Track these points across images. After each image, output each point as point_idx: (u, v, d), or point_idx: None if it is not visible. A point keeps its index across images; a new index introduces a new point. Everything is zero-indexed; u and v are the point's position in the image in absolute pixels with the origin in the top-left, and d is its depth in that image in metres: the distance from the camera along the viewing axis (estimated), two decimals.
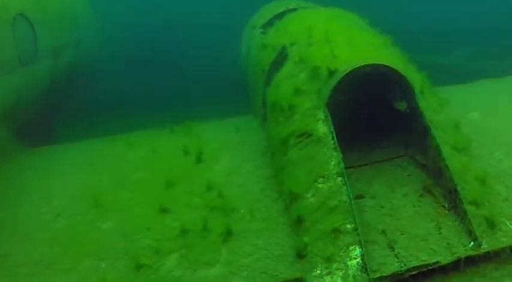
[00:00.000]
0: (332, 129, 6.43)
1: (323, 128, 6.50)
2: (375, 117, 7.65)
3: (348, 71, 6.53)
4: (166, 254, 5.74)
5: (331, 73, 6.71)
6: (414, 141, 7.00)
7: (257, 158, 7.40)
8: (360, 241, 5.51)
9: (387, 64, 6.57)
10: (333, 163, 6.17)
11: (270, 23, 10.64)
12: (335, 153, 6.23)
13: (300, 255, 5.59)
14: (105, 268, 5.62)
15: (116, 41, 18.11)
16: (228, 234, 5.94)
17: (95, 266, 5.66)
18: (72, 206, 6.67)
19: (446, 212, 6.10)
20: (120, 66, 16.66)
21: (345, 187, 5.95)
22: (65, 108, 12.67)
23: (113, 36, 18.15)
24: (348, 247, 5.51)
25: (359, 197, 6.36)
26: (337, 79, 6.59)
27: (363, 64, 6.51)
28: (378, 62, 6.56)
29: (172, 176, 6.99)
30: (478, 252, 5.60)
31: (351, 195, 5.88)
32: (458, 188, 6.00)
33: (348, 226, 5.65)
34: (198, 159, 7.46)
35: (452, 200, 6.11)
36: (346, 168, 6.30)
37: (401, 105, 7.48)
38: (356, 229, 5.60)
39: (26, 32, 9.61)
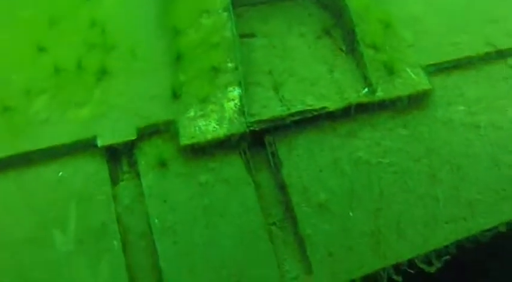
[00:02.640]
0: None
1: None
2: None
3: None
4: (36, 95, 5.16)
5: None
6: None
7: None
8: (239, 81, 4.99)
9: None
10: None
11: None
12: None
13: (176, 95, 5.05)
14: None
15: None
16: (103, 73, 5.33)
17: None
18: None
19: (344, 55, 5.59)
20: None
21: (229, 23, 5.29)
22: None
23: None
24: (226, 87, 4.98)
25: (250, 35, 5.73)
26: None
27: None
28: None
29: (58, 13, 6.14)
30: (371, 99, 5.16)
31: (235, 32, 5.27)
32: (357, 29, 5.43)
33: (229, 65, 5.09)
34: None
35: (351, 43, 5.58)
36: (241, 5, 5.71)
37: None
38: (237, 68, 5.05)
39: None
